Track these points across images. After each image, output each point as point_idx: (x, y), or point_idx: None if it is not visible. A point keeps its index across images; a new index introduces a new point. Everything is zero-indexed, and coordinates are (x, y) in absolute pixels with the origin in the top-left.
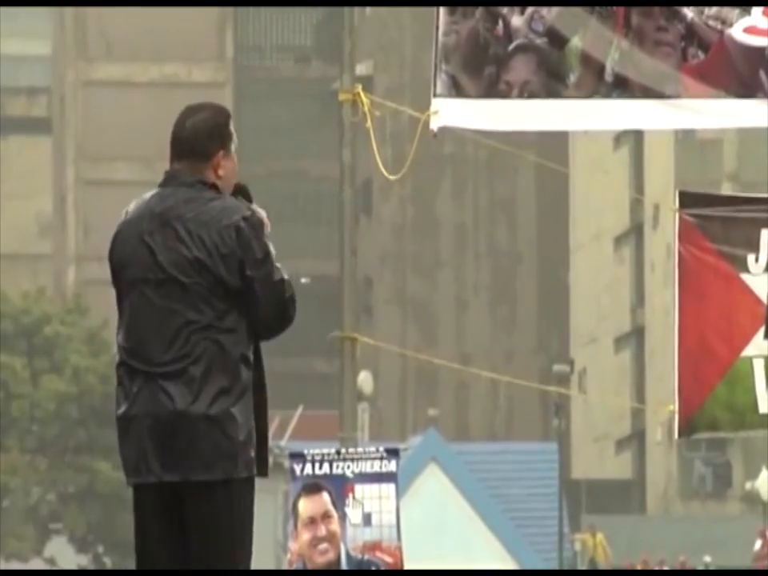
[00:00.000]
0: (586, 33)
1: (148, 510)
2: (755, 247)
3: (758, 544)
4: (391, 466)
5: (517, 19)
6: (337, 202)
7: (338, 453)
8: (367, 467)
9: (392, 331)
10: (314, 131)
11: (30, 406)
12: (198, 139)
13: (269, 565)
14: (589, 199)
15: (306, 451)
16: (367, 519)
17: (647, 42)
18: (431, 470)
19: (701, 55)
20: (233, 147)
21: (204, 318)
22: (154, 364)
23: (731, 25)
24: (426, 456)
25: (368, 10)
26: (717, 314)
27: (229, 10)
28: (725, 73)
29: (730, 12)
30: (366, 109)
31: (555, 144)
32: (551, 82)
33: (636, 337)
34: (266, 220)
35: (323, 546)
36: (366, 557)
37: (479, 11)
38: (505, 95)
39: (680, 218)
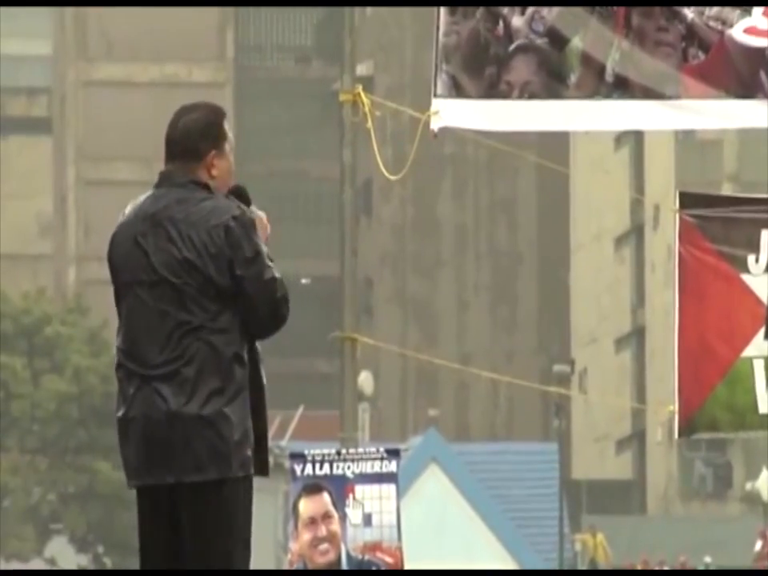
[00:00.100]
0: (586, 33)
1: (148, 512)
2: (755, 248)
3: (759, 544)
4: (392, 466)
5: (517, 19)
6: (337, 203)
7: (339, 453)
8: (368, 467)
9: (392, 331)
10: (315, 131)
11: (31, 406)
12: (190, 139)
13: (269, 565)
14: (589, 199)
15: (306, 451)
16: (368, 519)
17: (648, 43)
18: (432, 471)
19: (701, 56)
20: (227, 147)
21: (195, 318)
22: (148, 366)
23: (731, 25)
24: (427, 456)
25: (368, 10)
26: (717, 314)
27: (229, 10)
28: (725, 73)
29: (731, 12)
30: (366, 109)
31: (556, 144)
32: (552, 82)
33: (636, 337)
34: (265, 221)
35: (324, 546)
36: (367, 557)
37: (480, 11)
38: (505, 96)
39: (680, 218)
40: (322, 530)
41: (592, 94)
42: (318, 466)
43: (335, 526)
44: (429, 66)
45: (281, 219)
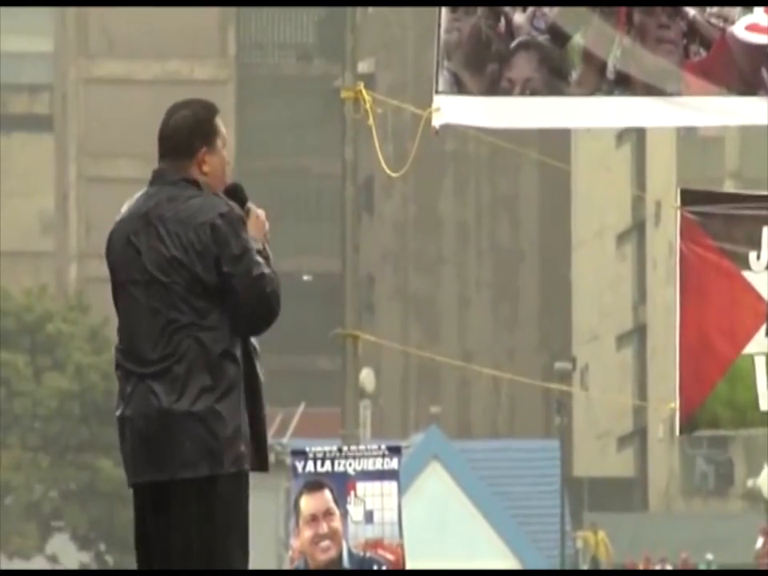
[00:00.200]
0: (588, 30)
1: (143, 509)
2: (757, 245)
3: (760, 542)
4: (393, 463)
5: (519, 16)
6: (339, 200)
7: (340, 450)
8: (369, 465)
9: (394, 328)
10: (316, 129)
11: (32, 403)
12: (180, 137)
13: (271, 562)
14: (591, 196)
15: (307, 449)
16: (369, 517)
17: (649, 40)
18: (433, 468)
19: (702, 53)
20: (219, 143)
21: (184, 317)
22: (143, 365)
23: (733, 22)
24: (428, 453)
25: (370, 7)
26: (718, 311)
27: (231, 8)
28: (726, 70)
29: (732, 9)
30: (367, 106)
31: (557, 141)
32: (553, 79)
33: (638, 334)
34: (263, 219)
35: (325, 543)
36: (368, 554)
37: (481, 8)
38: (507, 92)
39: (682, 215)
40: (324, 527)
41: (593, 91)
42: (319, 463)
43: (336, 523)
44: (430, 62)
45: (282, 216)
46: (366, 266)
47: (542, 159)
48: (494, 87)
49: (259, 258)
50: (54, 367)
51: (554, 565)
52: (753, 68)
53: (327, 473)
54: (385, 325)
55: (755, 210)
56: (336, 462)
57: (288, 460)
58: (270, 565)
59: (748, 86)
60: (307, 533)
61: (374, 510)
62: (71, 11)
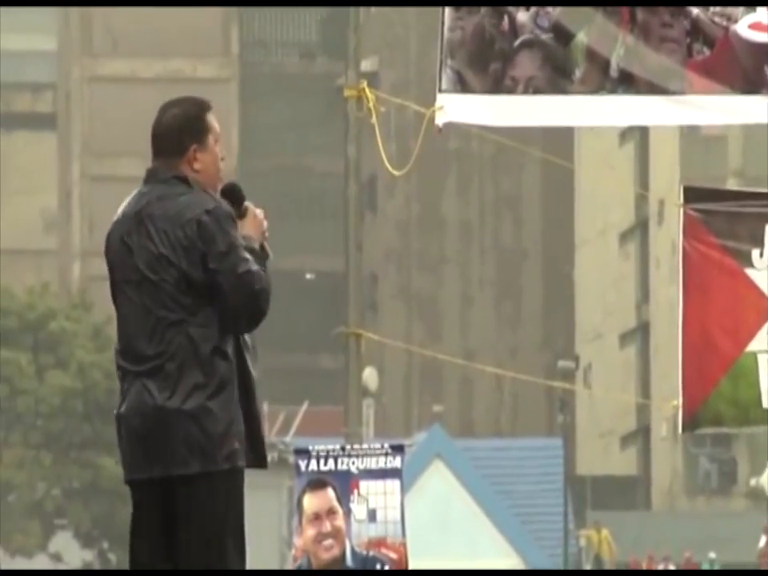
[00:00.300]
0: (591, 28)
1: (138, 506)
2: (760, 242)
3: (763, 540)
4: (396, 462)
5: (522, 15)
6: (342, 198)
7: (343, 449)
8: (372, 463)
9: (397, 327)
10: (319, 127)
11: (35, 401)
12: (170, 135)
13: (273, 561)
14: (594, 195)
15: (310, 447)
16: (372, 515)
17: (652, 38)
18: (436, 466)
19: (706, 51)
20: (211, 139)
21: (173, 314)
22: (137, 363)
23: (736, 21)
24: (431, 452)
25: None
26: (721, 309)
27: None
28: (730, 69)
29: (735, 8)
30: (370, 104)
31: (560, 140)
32: (556, 77)
33: (641, 332)
34: (260, 218)
35: (328, 541)
36: (371, 553)
37: (485, 7)
38: (510, 91)
39: (685, 213)
40: (327, 526)
41: (597, 90)
42: (322, 461)
43: (339, 521)
44: (433, 61)
45: (285, 215)
46: (369, 265)
47: (545, 157)
48: (498, 86)
49: (247, 255)
50: (57, 365)
51: (557, 563)
52: (756, 66)
53: (330, 471)
54: (388, 323)
55: (758, 207)
56: (339, 460)
57: (291, 458)
58: (273, 563)
59: (751, 85)
60: (310, 531)
61: (377, 509)
62: (75, 10)
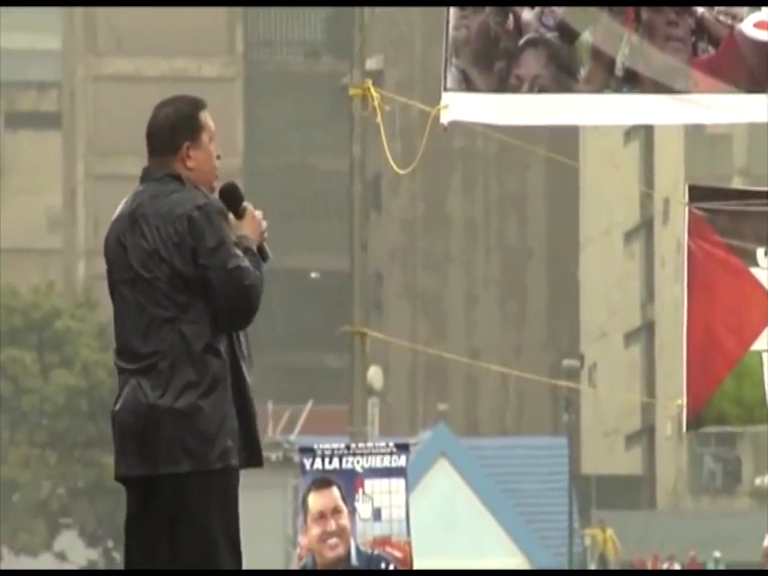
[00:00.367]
0: (596, 27)
1: (132, 505)
2: (765, 241)
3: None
4: (401, 460)
5: (527, 14)
6: (347, 197)
7: (348, 447)
8: (377, 462)
9: (402, 326)
10: (324, 126)
11: (40, 400)
12: (163, 134)
13: (278, 560)
14: (599, 194)
15: (315, 446)
16: (377, 514)
17: (657, 37)
18: (441, 465)
19: (711, 50)
20: (204, 137)
21: (166, 312)
22: (132, 361)
23: (741, 20)
24: (436, 451)
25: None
26: (726, 308)
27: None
28: (735, 68)
29: (740, 7)
30: (375, 103)
31: (565, 138)
32: (562, 76)
33: (646, 331)
34: (258, 219)
35: (333, 540)
36: (376, 551)
37: (490, 5)
38: (515, 89)
39: (690, 212)
40: (332, 525)
41: (602, 88)
42: (327, 460)
43: (344, 520)
44: (438, 60)
45: (290, 214)
46: (374, 264)
47: (550, 156)
48: (503, 84)
49: (238, 251)
50: (62, 364)
51: (562, 562)
52: (761, 65)
53: (335, 470)
54: (393, 322)
55: (763, 206)
56: (344, 459)
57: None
58: (278, 562)
59: (756, 84)
60: (315, 530)
61: (382, 508)
62: (79, 9)
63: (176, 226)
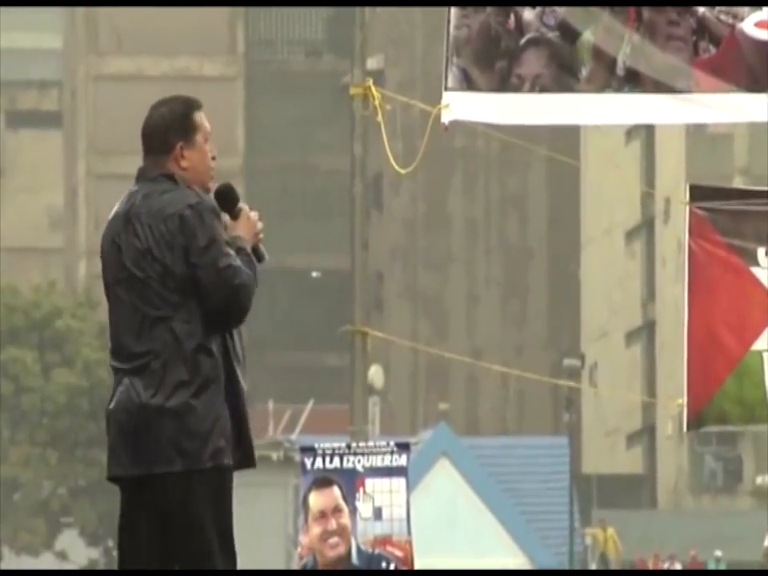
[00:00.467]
0: (597, 27)
1: (125, 505)
2: (765, 241)
3: None
4: (402, 460)
5: (528, 13)
6: (348, 196)
7: (349, 447)
8: (378, 461)
9: (403, 325)
10: (325, 125)
11: (41, 399)
12: (157, 133)
13: (279, 559)
14: (600, 193)
15: (316, 445)
16: (378, 513)
17: (659, 37)
18: (442, 465)
19: (712, 49)
20: (199, 137)
21: (159, 311)
22: (126, 361)
23: (742, 19)
24: (437, 450)
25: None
26: (727, 307)
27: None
28: (736, 67)
29: (741, 6)
30: (376, 103)
31: (566, 138)
32: (563, 75)
33: (647, 331)
34: (253, 220)
35: (334, 539)
36: (377, 551)
37: (491, 5)
38: (516, 89)
39: (691, 211)
40: (332, 524)
41: (603, 88)
42: (328, 459)
43: (345, 519)
44: (439, 59)
45: (291, 213)
46: (375, 263)
47: (552, 156)
48: (504, 84)
49: (230, 251)
50: (63, 363)
51: (563, 562)
52: (762, 64)
53: (336, 469)
54: (393, 322)
55: (764, 206)
56: (345, 458)
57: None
58: (279, 561)
59: (757, 83)
60: (316, 529)
61: (383, 507)
62: (80, 9)
63: (168, 224)
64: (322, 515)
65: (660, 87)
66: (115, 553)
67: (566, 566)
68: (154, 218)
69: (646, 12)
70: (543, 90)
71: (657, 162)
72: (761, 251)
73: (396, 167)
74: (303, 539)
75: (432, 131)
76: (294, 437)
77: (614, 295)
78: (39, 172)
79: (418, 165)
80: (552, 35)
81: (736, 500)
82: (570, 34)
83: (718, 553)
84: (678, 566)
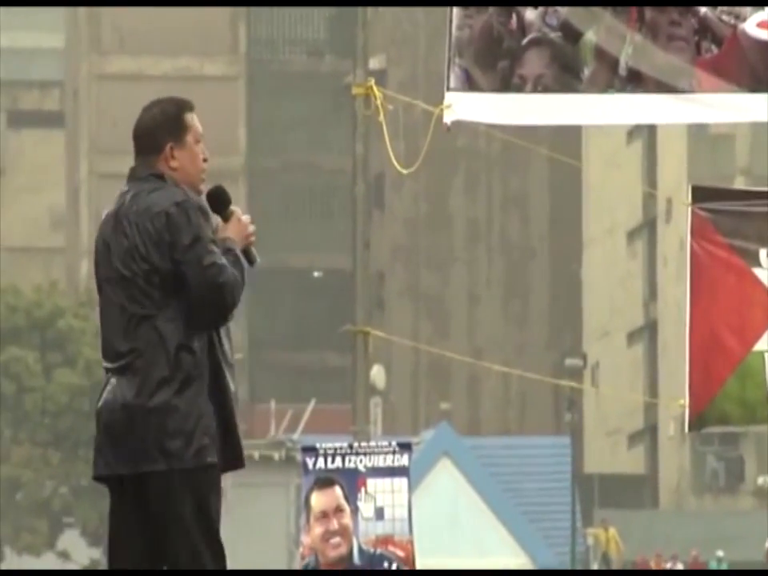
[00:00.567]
0: (599, 27)
1: (113, 505)
2: (767, 242)
3: None
4: (403, 459)
5: (531, 13)
6: (349, 196)
7: (351, 447)
8: (379, 461)
9: (404, 325)
10: (327, 125)
11: (43, 399)
12: (147, 134)
13: (281, 559)
14: (602, 193)
15: (318, 445)
16: (379, 513)
17: (661, 37)
18: (443, 464)
19: (714, 49)
20: (189, 138)
21: (144, 309)
22: (113, 360)
23: (744, 19)
24: (439, 450)
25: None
26: (728, 308)
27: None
28: (738, 67)
29: (743, 6)
30: (378, 102)
31: (568, 138)
32: (565, 76)
33: (649, 331)
34: (244, 222)
35: (335, 539)
36: (378, 551)
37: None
38: (518, 89)
39: (692, 212)
40: (334, 524)
41: (605, 88)
42: (329, 459)
43: (347, 519)
44: (441, 59)
45: (293, 212)
46: (377, 263)
47: (553, 156)
48: (506, 84)
49: (215, 248)
50: (65, 363)
51: (565, 562)
52: (764, 64)
53: (338, 469)
54: (395, 321)
55: (766, 207)
56: (346, 458)
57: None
58: (281, 561)
59: (759, 83)
60: (318, 529)
61: (385, 507)
62: (82, 8)
63: (154, 222)
64: (324, 515)
65: (662, 87)
66: None
67: (567, 566)
68: (141, 216)
69: (648, 12)
70: (545, 90)
71: (658, 162)
72: (762, 252)
73: (398, 167)
74: (305, 539)
75: (434, 131)
76: (295, 437)
77: (616, 295)
78: (41, 172)
79: (419, 165)
80: (554, 35)
81: (738, 500)
82: (572, 34)
83: (720, 553)
84: (680, 567)
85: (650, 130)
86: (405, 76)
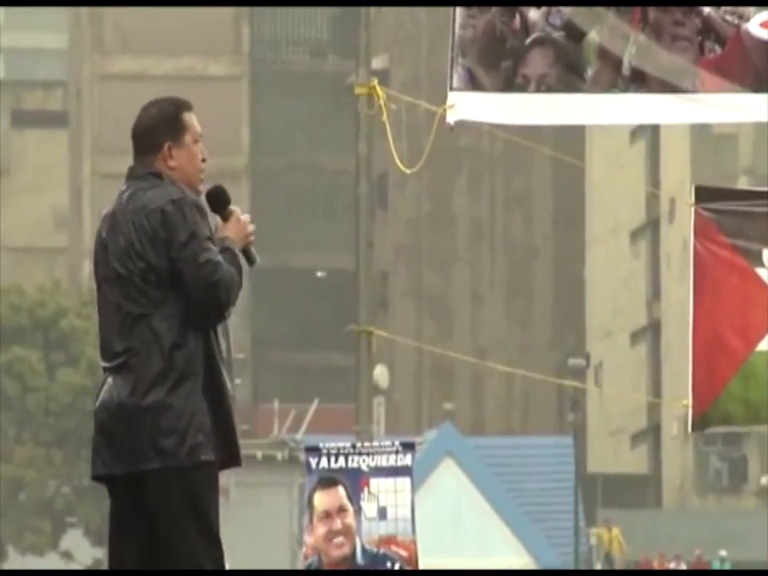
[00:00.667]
0: (603, 27)
1: (112, 505)
2: None
3: None
4: (406, 459)
5: (534, 13)
6: (353, 196)
7: (354, 446)
8: (383, 461)
9: (408, 325)
10: (330, 125)
11: (46, 399)
12: (145, 133)
13: (284, 558)
14: (605, 193)
15: (321, 445)
16: (382, 513)
17: (664, 37)
18: (447, 464)
19: (717, 49)
20: (187, 138)
21: (140, 308)
22: (110, 360)
23: (748, 19)
24: (442, 450)
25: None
26: (731, 308)
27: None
28: (741, 67)
29: (747, 6)
30: (381, 102)
31: (572, 138)
32: (568, 75)
33: (652, 331)
34: (243, 222)
35: (338, 539)
36: (381, 550)
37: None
38: (522, 89)
39: (696, 212)
40: (337, 524)
41: (609, 88)
42: (333, 459)
43: (350, 519)
44: (444, 59)
45: (296, 212)
46: (380, 263)
47: (556, 156)
48: (509, 84)
49: (211, 246)
50: (68, 363)
51: (568, 561)
52: (767, 65)
53: (341, 469)
54: (398, 321)
55: None
56: (350, 458)
57: (302, 456)
58: (284, 561)
59: (762, 83)
60: (321, 529)
61: (388, 507)
62: (85, 8)
63: (150, 219)
64: (327, 515)
65: (666, 87)
66: None
67: (570, 566)
68: (138, 214)
69: (652, 12)
70: (549, 90)
71: (662, 162)
72: (766, 252)
73: (401, 167)
74: (308, 539)
75: (437, 131)
76: (298, 436)
77: (619, 295)
78: (44, 172)
79: (422, 165)
80: (557, 35)
81: (741, 500)
82: (575, 34)
83: (723, 552)
84: (683, 566)
85: (653, 130)
86: (408, 76)
